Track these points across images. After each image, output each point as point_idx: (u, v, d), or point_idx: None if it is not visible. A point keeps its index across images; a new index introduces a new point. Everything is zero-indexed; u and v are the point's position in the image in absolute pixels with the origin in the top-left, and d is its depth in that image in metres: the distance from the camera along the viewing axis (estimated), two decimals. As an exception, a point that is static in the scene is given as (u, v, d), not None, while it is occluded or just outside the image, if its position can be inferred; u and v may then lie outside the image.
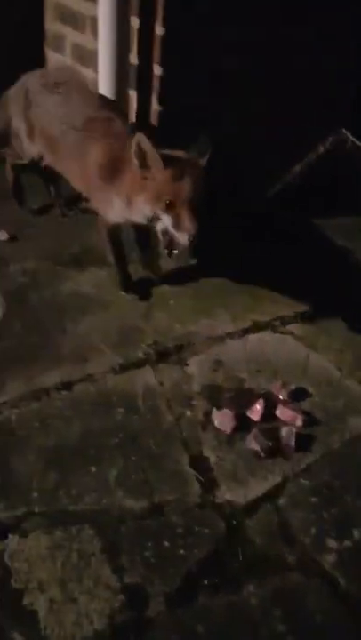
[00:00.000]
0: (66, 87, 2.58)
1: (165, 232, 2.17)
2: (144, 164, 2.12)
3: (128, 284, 2.58)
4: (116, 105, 2.62)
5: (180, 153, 2.16)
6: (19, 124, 2.71)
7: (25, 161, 2.82)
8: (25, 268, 2.61)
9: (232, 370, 2.24)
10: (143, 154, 2.10)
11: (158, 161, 2.09)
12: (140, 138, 2.08)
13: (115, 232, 2.51)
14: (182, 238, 2.10)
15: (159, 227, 2.19)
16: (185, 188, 2.09)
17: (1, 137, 2.86)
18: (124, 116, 2.50)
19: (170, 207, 2.10)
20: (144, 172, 2.13)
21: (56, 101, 2.54)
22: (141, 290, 2.59)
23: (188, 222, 2.07)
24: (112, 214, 2.39)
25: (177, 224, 2.10)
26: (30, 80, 2.67)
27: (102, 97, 2.66)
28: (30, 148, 2.73)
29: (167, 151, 2.14)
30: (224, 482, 1.83)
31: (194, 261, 2.77)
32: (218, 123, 2.67)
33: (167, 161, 2.10)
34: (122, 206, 2.29)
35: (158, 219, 2.16)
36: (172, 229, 2.13)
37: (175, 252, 2.24)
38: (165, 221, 2.14)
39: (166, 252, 2.24)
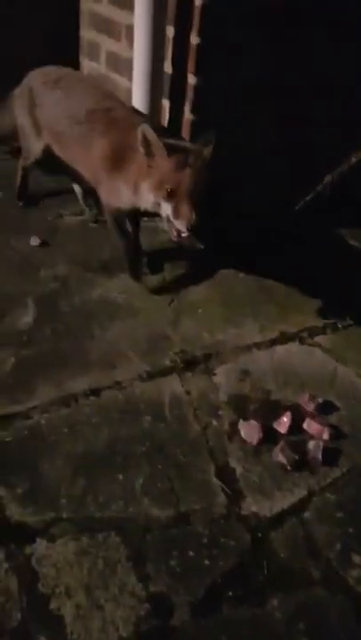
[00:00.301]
0: (66, 82, 2.64)
1: (168, 219, 2.21)
2: (149, 152, 2.17)
3: (137, 272, 2.63)
4: (117, 96, 2.67)
5: (185, 143, 2.19)
6: (24, 122, 2.78)
7: (28, 162, 2.91)
8: (56, 273, 2.65)
9: (259, 381, 2.24)
10: (148, 143, 2.15)
11: (162, 150, 2.14)
12: (145, 128, 2.14)
13: (119, 216, 2.55)
14: (181, 226, 2.14)
15: (163, 214, 2.22)
16: (186, 178, 2.12)
17: (10, 136, 2.95)
18: (126, 104, 2.55)
19: (170, 195, 2.14)
20: (149, 160, 2.18)
21: (58, 97, 2.60)
22: (152, 266, 2.63)
23: (187, 211, 2.10)
24: (120, 202, 2.44)
25: (176, 212, 2.13)
26: (33, 78, 2.74)
27: (102, 88, 2.70)
28: (36, 145, 2.80)
29: (172, 141, 2.19)
30: (250, 493, 1.84)
31: (201, 246, 2.80)
32: (244, 129, 2.68)
33: (171, 150, 2.14)
34: (129, 194, 2.35)
35: (160, 206, 2.21)
36: (172, 217, 2.16)
37: (181, 237, 2.23)
38: (166, 209, 2.17)
39: (174, 238, 2.25)
